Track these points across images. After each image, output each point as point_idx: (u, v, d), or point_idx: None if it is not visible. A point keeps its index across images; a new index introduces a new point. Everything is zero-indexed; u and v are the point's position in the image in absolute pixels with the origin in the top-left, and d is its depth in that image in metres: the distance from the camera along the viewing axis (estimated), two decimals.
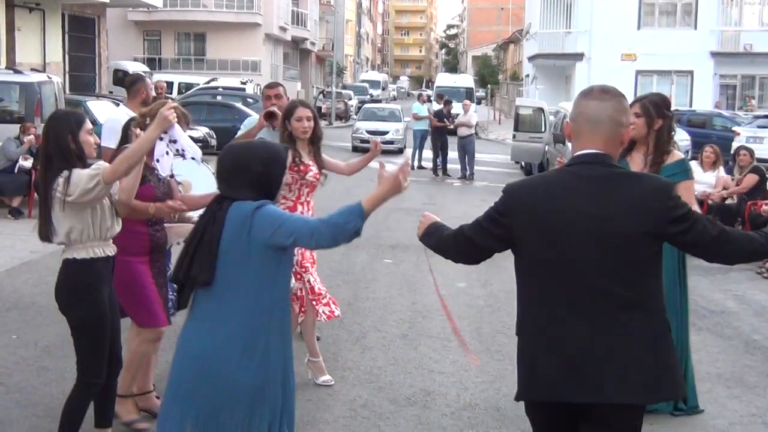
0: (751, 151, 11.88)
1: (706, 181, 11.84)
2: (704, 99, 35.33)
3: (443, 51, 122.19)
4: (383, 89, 67.10)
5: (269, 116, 6.56)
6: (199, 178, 5.34)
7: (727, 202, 11.94)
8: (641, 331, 2.98)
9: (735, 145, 20.17)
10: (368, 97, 54.33)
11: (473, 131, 22.27)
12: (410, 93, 76.84)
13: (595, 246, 2.97)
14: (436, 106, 24.17)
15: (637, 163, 5.38)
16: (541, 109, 22.32)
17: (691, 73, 36.60)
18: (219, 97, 27.62)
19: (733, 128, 24.01)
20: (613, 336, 2.96)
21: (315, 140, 5.97)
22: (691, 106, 33.58)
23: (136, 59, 40.66)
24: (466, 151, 21.33)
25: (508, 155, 24.74)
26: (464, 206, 15.24)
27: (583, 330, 2.97)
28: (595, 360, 2.95)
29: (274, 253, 3.33)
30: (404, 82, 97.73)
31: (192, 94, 29.12)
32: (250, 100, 26.80)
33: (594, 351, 2.95)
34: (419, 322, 7.80)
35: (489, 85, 69.22)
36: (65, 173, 4.09)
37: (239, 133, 7.27)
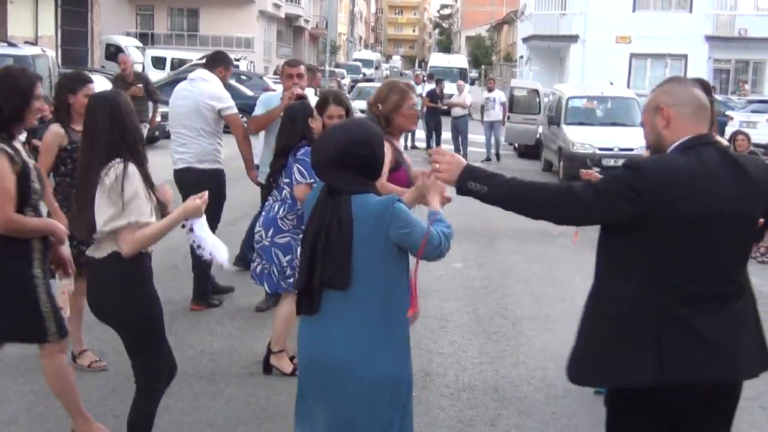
0: (748, 136, 11.85)
1: None
2: None
3: (437, 31, 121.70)
4: (376, 68, 66.82)
5: (299, 99, 6.38)
6: None
7: None
8: (750, 313, 3.12)
9: (729, 129, 20.21)
10: (361, 76, 54.10)
11: (467, 112, 22.19)
12: (403, 73, 76.50)
13: (728, 231, 3.01)
14: (428, 87, 24.06)
15: None
16: (536, 91, 22.27)
17: (685, 56, 36.52)
18: None
19: (727, 113, 24.01)
20: (740, 318, 3.07)
21: None
22: None
23: (128, 34, 40.42)
24: (460, 131, 21.25)
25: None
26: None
27: (712, 312, 3.00)
28: (727, 341, 3.01)
29: (401, 253, 3.25)
30: (397, 61, 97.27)
31: (185, 70, 28.93)
32: (244, 77, 26.65)
33: (723, 333, 3.01)
34: None
35: (482, 66, 69.01)
36: (119, 164, 3.79)
37: (257, 111, 7.25)
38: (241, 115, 7.32)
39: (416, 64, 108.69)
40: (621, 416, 3.19)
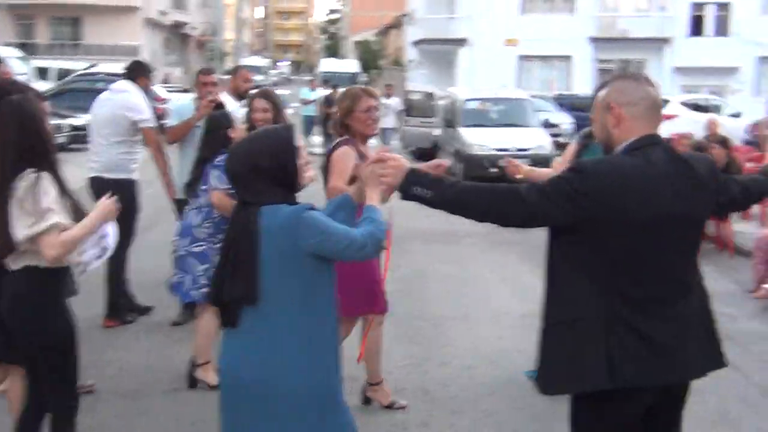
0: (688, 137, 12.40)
1: None
2: (584, 83, 36.39)
3: (324, 36, 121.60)
4: (265, 74, 66.33)
5: (218, 107, 6.28)
6: None
7: None
8: (699, 312, 3.11)
9: None
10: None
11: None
12: (290, 78, 76.09)
13: (677, 232, 3.00)
14: (323, 92, 24.00)
15: None
16: (431, 94, 22.50)
17: (570, 58, 37.64)
18: (101, 84, 26.70)
19: None
20: (687, 318, 3.04)
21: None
22: (571, 90, 34.51)
23: (8, 45, 38.98)
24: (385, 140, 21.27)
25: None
26: None
27: (662, 315, 2.98)
28: (675, 344, 2.99)
29: (319, 261, 3.07)
30: (285, 67, 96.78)
31: (71, 81, 28.09)
32: None
33: (673, 335, 2.99)
34: None
35: (371, 70, 69.29)
36: (32, 174, 3.62)
37: (170, 122, 7.09)
38: None
39: (300, 68, 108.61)
40: (592, 414, 3.11)
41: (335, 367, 3.21)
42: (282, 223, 3.02)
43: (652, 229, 2.92)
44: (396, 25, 72.73)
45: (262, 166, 3.07)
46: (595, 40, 37.58)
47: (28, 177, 3.60)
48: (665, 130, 13.34)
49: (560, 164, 5.68)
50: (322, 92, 24.10)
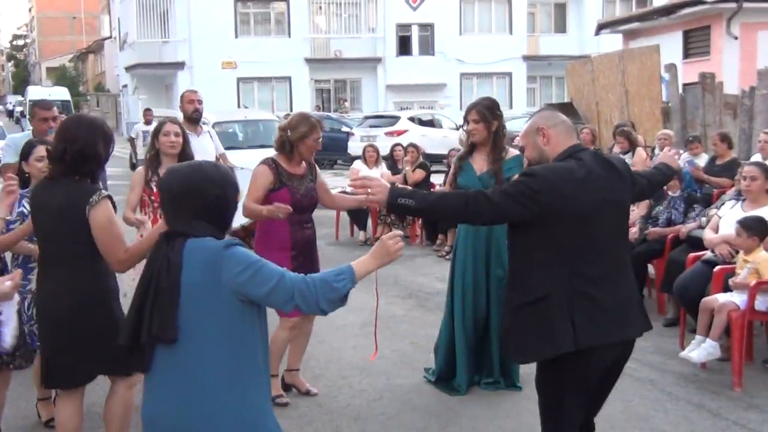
0: (417, 148, 13.05)
1: None
2: (303, 103, 37.32)
3: (11, 63, 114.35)
4: None
5: None
6: None
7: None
8: (633, 284, 3.83)
9: (354, 145, 21.95)
10: None
11: None
12: None
13: (610, 216, 3.68)
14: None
15: (478, 162, 5.86)
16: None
17: (289, 78, 38.47)
18: None
19: (347, 129, 25.86)
20: (626, 287, 3.73)
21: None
22: (291, 110, 35.26)
23: None
24: None
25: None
26: None
27: (609, 287, 3.64)
28: (621, 309, 3.65)
29: (245, 305, 2.93)
30: None
31: None
32: None
33: (618, 302, 3.65)
34: None
35: (75, 97, 66.41)
36: None
37: (7, 158, 6.64)
38: None
39: None
40: (560, 375, 3.67)
41: (266, 403, 3.12)
42: (205, 255, 2.91)
43: (594, 213, 3.59)
44: (94, 50, 70.35)
45: (208, 194, 3.00)
46: (311, 61, 38.69)
47: None
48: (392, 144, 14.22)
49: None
50: None
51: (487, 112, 5.80)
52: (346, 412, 5.74)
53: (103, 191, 4.03)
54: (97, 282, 4.07)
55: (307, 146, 5.46)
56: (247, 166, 9.84)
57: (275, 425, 3.13)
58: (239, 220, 6.41)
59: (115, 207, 4.09)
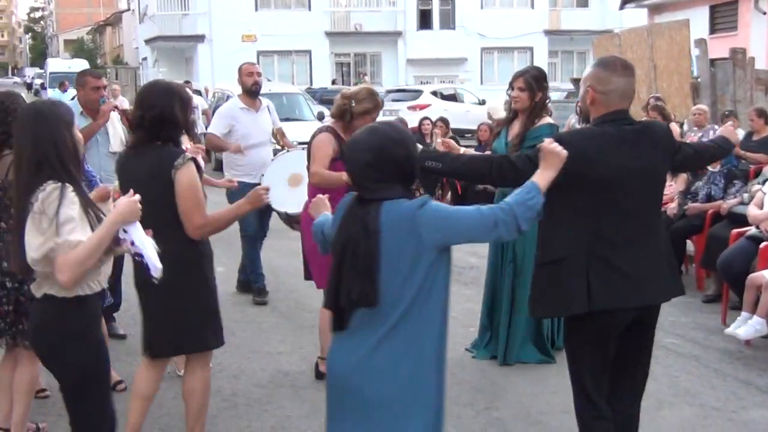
0: (447, 122, 13.01)
1: None
2: (323, 77, 37.29)
3: (29, 36, 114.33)
4: None
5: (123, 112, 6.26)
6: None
7: None
8: (664, 249, 3.81)
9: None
10: None
11: None
12: None
13: (640, 184, 3.65)
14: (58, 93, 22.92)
15: (515, 129, 5.88)
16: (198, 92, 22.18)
17: (309, 52, 38.34)
18: None
19: None
20: (652, 253, 3.70)
21: None
22: (311, 84, 35.16)
23: None
24: None
25: None
26: None
27: (631, 252, 3.63)
28: (642, 275, 3.64)
29: (440, 253, 2.99)
30: None
31: None
32: None
33: (639, 268, 3.63)
34: None
35: (96, 70, 66.36)
36: (49, 186, 3.33)
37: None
38: None
39: (9, 72, 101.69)
40: (578, 334, 3.77)
41: (442, 377, 3.15)
42: (402, 218, 2.93)
43: (618, 179, 3.59)
44: (112, 22, 70.28)
45: (398, 156, 3.02)
46: (331, 35, 38.54)
47: (45, 190, 3.31)
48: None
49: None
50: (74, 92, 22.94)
51: (533, 81, 5.84)
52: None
53: (188, 154, 4.03)
54: (190, 245, 4.09)
55: (366, 122, 5.33)
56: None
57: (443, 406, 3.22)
58: (289, 207, 6.41)
59: (200, 170, 4.08)
